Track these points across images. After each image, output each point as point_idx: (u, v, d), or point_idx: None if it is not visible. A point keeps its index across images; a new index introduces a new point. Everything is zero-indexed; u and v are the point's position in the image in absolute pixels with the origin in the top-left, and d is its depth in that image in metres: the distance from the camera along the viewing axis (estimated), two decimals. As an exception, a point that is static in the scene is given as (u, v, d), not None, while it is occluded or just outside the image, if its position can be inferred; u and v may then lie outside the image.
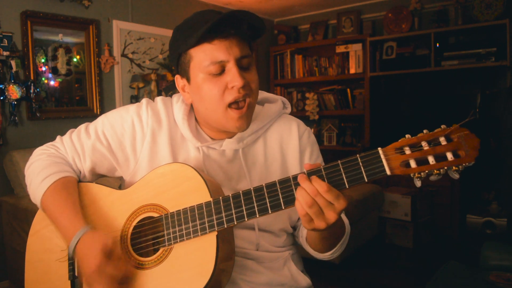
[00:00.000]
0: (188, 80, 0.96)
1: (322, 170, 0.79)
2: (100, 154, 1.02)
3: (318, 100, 4.60)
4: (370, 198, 3.36)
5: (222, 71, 0.90)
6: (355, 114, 4.42)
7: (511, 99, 3.53)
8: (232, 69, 0.90)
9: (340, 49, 4.37)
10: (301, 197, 0.77)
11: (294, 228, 1.10)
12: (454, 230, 3.55)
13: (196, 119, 1.04)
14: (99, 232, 0.89)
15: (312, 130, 4.56)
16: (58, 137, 1.08)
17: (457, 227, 3.54)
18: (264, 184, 0.82)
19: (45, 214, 1.01)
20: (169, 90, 3.86)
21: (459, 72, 3.66)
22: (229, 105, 0.91)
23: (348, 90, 4.45)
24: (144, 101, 1.05)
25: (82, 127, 1.06)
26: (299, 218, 1.08)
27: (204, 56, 0.90)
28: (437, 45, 3.75)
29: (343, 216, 1.01)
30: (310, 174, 0.79)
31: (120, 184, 1.12)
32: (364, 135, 4.33)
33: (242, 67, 0.92)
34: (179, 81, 1.00)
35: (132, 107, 1.04)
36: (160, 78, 3.80)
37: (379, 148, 0.75)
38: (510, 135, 3.60)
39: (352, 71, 4.34)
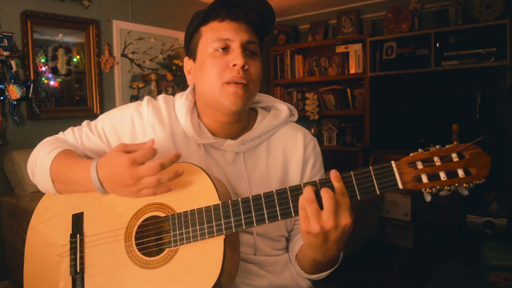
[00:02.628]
0: (195, 58, 0.99)
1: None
2: (100, 150, 1.03)
3: (318, 100, 4.60)
4: (370, 198, 3.35)
5: (226, 49, 0.93)
6: (355, 114, 4.42)
7: (511, 99, 3.53)
8: (236, 49, 0.92)
9: (340, 49, 4.37)
10: (306, 191, 0.77)
11: (289, 234, 1.09)
12: (454, 230, 3.55)
13: (198, 115, 1.04)
14: (110, 151, 0.88)
15: (312, 130, 4.57)
16: (60, 132, 1.11)
17: (457, 227, 3.54)
18: (274, 191, 0.82)
19: (47, 206, 1.00)
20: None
21: (459, 72, 3.66)
22: (227, 83, 0.92)
23: (348, 90, 4.45)
24: (145, 98, 1.05)
25: (83, 124, 1.08)
26: (292, 229, 1.07)
27: (212, 33, 0.94)
28: (437, 45, 3.75)
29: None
30: (322, 184, 0.78)
31: None
32: (364, 135, 4.33)
33: (247, 52, 0.94)
34: (187, 63, 1.03)
35: (133, 105, 1.05)
36: (160, 78, 3.80)
37: (392, 161, 0.76)
38: (510, 135, 3.60)
39: (352, 71, 4.34)
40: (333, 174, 0.77)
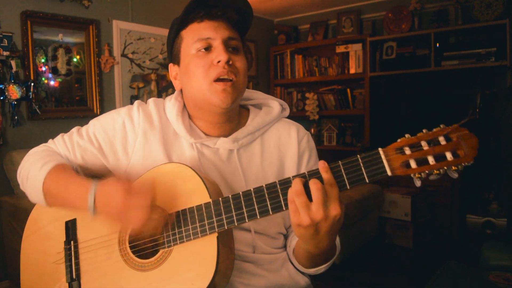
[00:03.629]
0: (179, 63, 1.00)
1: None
2: (91, 154, 1.02)
3: (318, 100, 4.60)
4: (370, 198, 3.36)
5: (208, 48, 0.94)
6: (355, 114, 4.42)
7: (511, 99, 3.53)
8: (218, 46, 0.93)
9: (340, 49, 4.37)
10: (294, 184, 0.76)
11: (287, 230, 1.09)
12: (454, 230, 3.55)
13: (189, 115, 1.04)
14: (110, 178, 0.88)
15: (312, 130, 4.57)
16: (50, 140, 1.09)
17: (457, 227, 3.54)
18: (264, 185, 0.81)
19: (39, 214, 0.99)
20: (168, 88, 3.86)
21: (459, 72, 3.66)
22: (215, 81, 0.93)
23: (348, 90, 4.45)
24: (136, 103, 1.05)
25: (73, 130, 1.07)
26: (290, 225, 1.07)
27: (193, 34, 0.95)
28: (437, 45, 3.75)
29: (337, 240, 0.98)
30: (311, 175, 0.78)
31: None
32: (364, 135, 4.33)
33: (229, 49, 0.95)
34: (172, 69, 1.04)
35: (124, 109, 1.05)
36: (160, 78, 3.80)
37: (379, 149, 0.75)
38: (510, 135, 3.60)
39: (352, 71, 4.34)
40: (321, 165, 0.77)
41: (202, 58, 0.94)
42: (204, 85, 0.93)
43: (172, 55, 1.02)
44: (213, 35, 0.93)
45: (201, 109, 0.99)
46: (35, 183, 0.96)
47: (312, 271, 0.99)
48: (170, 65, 1.04)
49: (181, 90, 1.06)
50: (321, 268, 0.97)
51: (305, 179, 0.78)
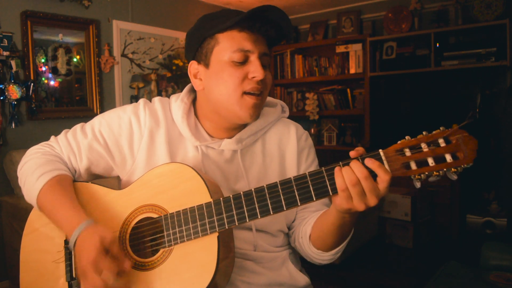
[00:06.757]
0: (207, 65, 0.97)
1: (324, 171, 0.79)
2: (97, 153, 1.01)
3: (318, 100, 4.60)
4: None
5: (245, 61, 0.93)
6: (355, 114, 4.42)
7: (511, 99, 3.53)
8: (255, 61, 0.93)
9: (340, 49, 4.37)
10: (346, 174, 0.76)
11: (290, 228, 1.09)
12: (454, 230, 3.55)
13: (196, 115, 1.04)
14: (100, 226, 0.87)
15: (312, 130, 4.57)
16: (53, 137, 1.07)
17: (457, 227, 3.54)
18: (265, 185, 0.82)
19: (40, 213, 0.99)
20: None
21: (459, 72, 3.66)
22: (245, 93, 0.94)
23: (348, 90, 4.45)
24: (141, 101, 1.05)
25: (77, 126, 1.05)
26: (294, 219, 1.07)
27: (232, 42, 0.93)
28: (437, 45, 3.75)
29: None
30: (344, 164, 0.78)
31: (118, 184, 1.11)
32: (364, 135, 4.33)
33: (262, 64, 0.95)
34: (194, 67, 1.01)
35: (129, 107, 1.04)
36: (160, 78, 3.80)
37: (380, 150, 0.76)
38: (510, 135, 3.60)
39: (352, 71, 4.34)
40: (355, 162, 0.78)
41: (237, 68, 0.93)
42: (234, 96, 0.93)
43: (197, 53, 0.98)
44: (252, 48, 0.93)
45: (219, 114, 0.99)
46: (31, 193, 0.96)
47: (332, 252, 0.97)
48: (193, 63, 1.00)
49: (190, 91, 1.06)
50: (340, 250, 0.97)
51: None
